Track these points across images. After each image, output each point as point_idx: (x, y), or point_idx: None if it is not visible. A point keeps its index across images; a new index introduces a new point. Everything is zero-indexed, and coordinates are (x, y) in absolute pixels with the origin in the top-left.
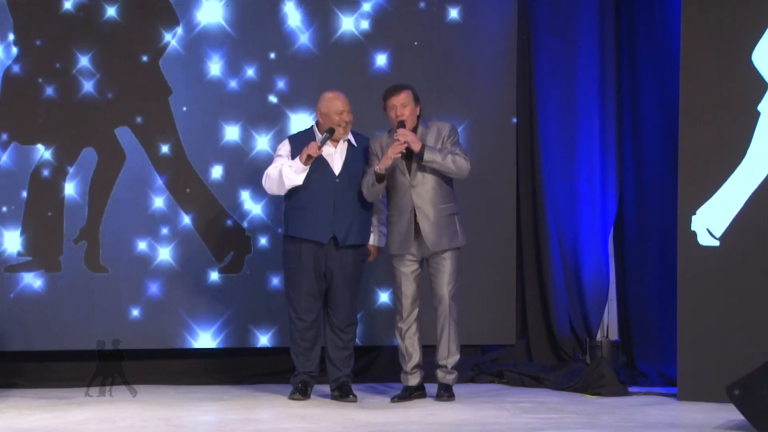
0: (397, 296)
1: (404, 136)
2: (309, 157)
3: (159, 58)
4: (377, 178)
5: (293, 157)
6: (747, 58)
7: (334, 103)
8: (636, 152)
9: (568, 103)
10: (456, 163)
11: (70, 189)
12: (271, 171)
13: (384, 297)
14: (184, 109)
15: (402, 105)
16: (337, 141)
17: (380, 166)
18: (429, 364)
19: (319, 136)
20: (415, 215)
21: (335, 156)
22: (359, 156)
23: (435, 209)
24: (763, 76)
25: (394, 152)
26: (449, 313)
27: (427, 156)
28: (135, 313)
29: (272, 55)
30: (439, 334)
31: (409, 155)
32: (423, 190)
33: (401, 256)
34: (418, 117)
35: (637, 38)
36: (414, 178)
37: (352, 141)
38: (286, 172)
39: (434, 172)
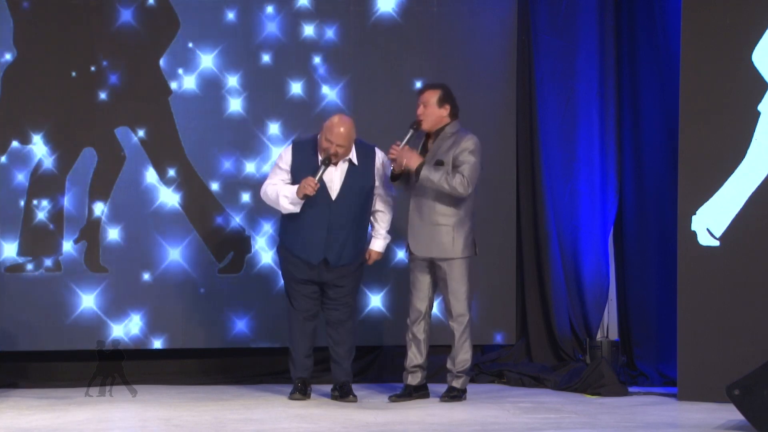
0: (409, 294)
1: (397, 155)
2: (306, 195)
3: (159, 58)
4: (391, 177)
5: (293, 171)
6: (747, 58)
7: (333, 132)
8: (636, 152)
9: (568, 103)
10: (450, 184)
11: (70, 189)
12: (270, 190)
13: (384, 297)
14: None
15: (423, 104)
16: (338, 161)
17: (394, 168)
18: (433, 365)
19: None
20: (409, 218)
21: (334, 176)
22: (360, 173)
23: (426, 216)
24: (763, 76)
25: (391, 156)
26: (454, 321)
27: (423, 173)
28: (135, 312)
29: (271, 55)
30: (451, 339)
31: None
32: (421, 196)
33: (414, 255)
34: (454, 118)
35: (637, 38)
36: (416, 182)
37: (354, 160)
38: (283, 203)
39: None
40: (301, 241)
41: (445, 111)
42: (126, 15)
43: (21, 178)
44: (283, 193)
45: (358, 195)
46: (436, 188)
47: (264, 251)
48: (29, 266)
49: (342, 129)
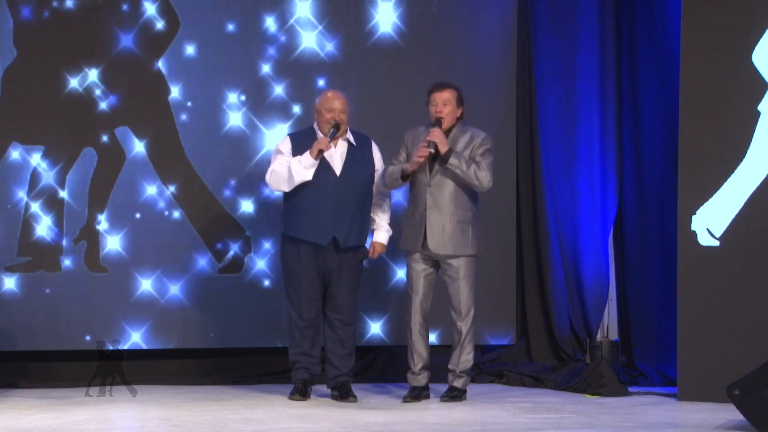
0: (408, 293)
1: (434, 136)
2: (320, 151)
3: (159, 58)
4: (402, 176)
5: (294, 155)
6: (747, 58)
7: (332, 101)
8: (636, 152)
9: (568, 103)
10: (477, 176)
11: (70, 189)
12: (278, 167)
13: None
14: None
15: (443, 102)
16: (337, 140)
17: (408, 168)
18: (433, 365)
19: (320, 135)
20: (427, 215)
21: (335, 156)
22: (360, 155)
23: (446, 213)
24: (763, 76)
25: (419, 156)
26: (461, 321)
27: (452, 161)
28: (135, 313)
29: (274, 55)
30: (453, 339)
31: (434, 155)
32: (438, 192)
33: (413, 254)
34: (460, 119)
35: (637, 38)
36: (432, 178)
37: (352, 140)
38: (296, 168)
39: (455, 176)
40: (309, 222)
41: (460, 111)
42: (126, 15)
43: (21, 178)
44: (295, 159)
45: (360, 174)
46: (462, 176)
47: (264, 251)
48: (28, 266)
49: (338, 100)
